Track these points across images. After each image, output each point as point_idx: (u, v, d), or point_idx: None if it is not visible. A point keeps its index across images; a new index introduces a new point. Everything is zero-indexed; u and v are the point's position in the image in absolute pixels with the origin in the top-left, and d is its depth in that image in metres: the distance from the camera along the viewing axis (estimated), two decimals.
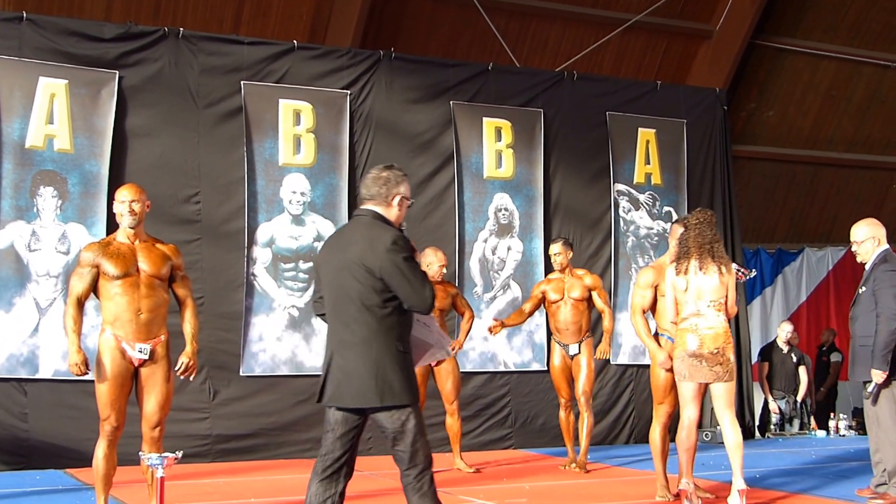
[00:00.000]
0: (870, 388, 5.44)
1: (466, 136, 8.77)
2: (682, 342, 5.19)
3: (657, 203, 9.51)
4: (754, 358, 10.47)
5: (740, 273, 5.68)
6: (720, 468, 6.54)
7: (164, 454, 4.12)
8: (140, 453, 4.48)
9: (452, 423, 6.99)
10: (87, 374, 4.66)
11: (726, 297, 5.20)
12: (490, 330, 7.02)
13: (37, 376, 7.18)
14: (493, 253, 8.77)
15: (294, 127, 8.17)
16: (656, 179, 9.52)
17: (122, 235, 4.78)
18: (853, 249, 5.74)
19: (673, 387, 5.58)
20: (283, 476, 6.84)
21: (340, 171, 8.26)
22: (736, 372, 5.42)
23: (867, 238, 5.61)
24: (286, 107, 8.15)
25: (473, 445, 8.36)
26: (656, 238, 9.47)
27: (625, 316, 9.07)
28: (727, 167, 9.92)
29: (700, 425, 5.84)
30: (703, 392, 5.33)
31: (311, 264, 8.07)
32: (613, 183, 9.30)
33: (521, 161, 8.94)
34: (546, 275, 8.34)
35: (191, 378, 4.94)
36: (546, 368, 8.13)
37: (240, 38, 8.24)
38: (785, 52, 11.92)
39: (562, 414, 7.11)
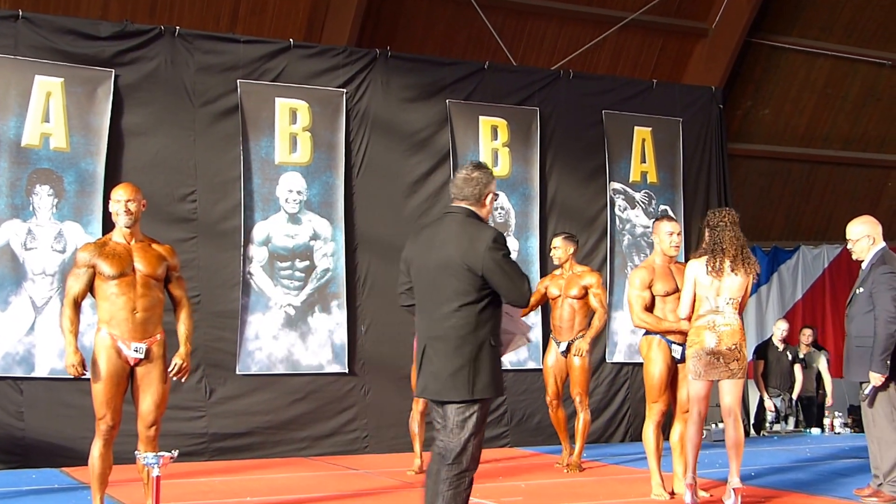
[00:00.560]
0: (867, 389, 5.43)
1: (462, 134, 8.77)
2: (699, 340, 5.17)
3: (653, 201, 9.52)
4: (749, 356, 10.49)
5: None
6: (715, 466, 6.56)
7: (159, 453, 4.13)
8: (136, 452, 4.48)
9: None
10: (84, 375, 4.67)
11: (744, 296, 5.22)
12: None
13: (33, 375, 7.18)
14: None
15: (290, 125, 8.17)
16: (652, 178, 9.53)
17: (119, 235, 4.79)
18: (848, 247, 5.74)
19: (667, 386, 5.60)
20: (279, 475, 6.85)
21: (337, 170, 8.26)
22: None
23: (862, 236, 5.60)
24: (282, 105, 8.15)
25: None
26: (652, 236, 9.46)
27: (620, 314, 9.10)
28: (723, 165, 9.94)
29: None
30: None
31: (307, 262, 8.08)
32: (609, 181, 9.31)
33: (517, 160, 8.95)
34: (544, 272, 8.37)
35: (183, 380, 4.94)
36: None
37: (236, 37, 8.24)
38: (780, 51, 11.94)
39: (550, 411, 7.11)
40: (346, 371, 8.13)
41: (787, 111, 12.46)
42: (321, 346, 8.07)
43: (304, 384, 8.03)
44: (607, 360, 9.10)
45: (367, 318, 8.25)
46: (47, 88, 7.40)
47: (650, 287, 5.63)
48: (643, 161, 9.50)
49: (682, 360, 5.50)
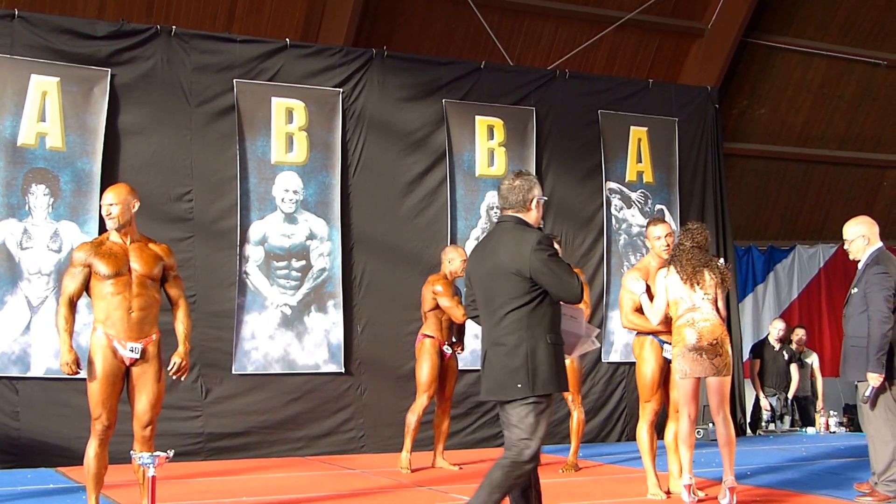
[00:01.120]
0: (867, 391, 5.40)
1: (459, 134, 8.78)
2: (680, 338, 5.26)
3: (649, 201, 9.53)
4: (746, 355, 10.52)
5: None
6: (711, 465, 6.57)
7: (155, 453, 4.13)
8: (131, 452, 4.48)
9: (442, 421, 7.02)
10: (78, 373, 4.67)
11: (716, 295, 5.29)
12: None
13: (28, 375, 7.18)
14: None
15: (286, 125, 8.16)
16: (648, 177, 9.54)
17: (115, 235, 4.78)
18: (845, 247, 5.77)
19: (660, 385, 5.62)
20: (275, 474, 6.85)
21: (333, 170, 8.26)
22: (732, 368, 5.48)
23: (857, 236, 5.63)
24: (279, 105, 8.15)
25: (466, 443, 8.38)
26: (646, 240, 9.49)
27: (616, 314, 9.10)
28: (719, 165, 9.95)
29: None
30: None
31: (303, 262, 8.09)
32: (605, 181, 9.32)
33: (513, 159, 8.95)
34: None
35: (182, 378, 4.95)
36: None
37: (232, 37, 8.24)
38: (776, 50, 11.96)
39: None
40: (343, 371, 8.13)
41: (784, 111, 12.47)
42: (317, 345, 8.07)
43: (301, 384, 8.03)
44: (603, 360, 9.11)
45: (363, 318, 8.25)
46: (43, 88, 7.39)
47: (648, 288, 5.65)
48: (639, 161, 9.51)
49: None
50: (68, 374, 4.65)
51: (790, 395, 10.16)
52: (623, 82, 9.93)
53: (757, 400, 10.17)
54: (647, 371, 5.61)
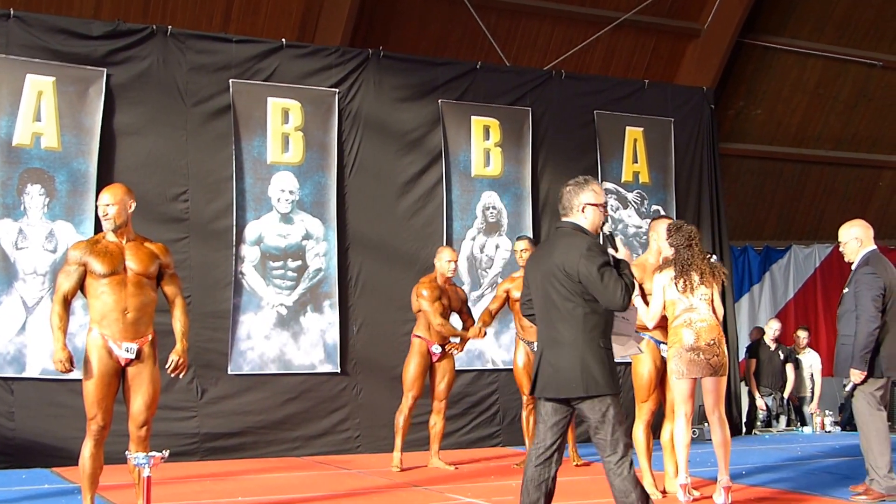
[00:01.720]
0: (848, 386, 5.61)
1: (455, 134, 8.78)
2: (678, 339, 5.29)
3: (645, 201, 9.54)
4: (742, 355, 10.53)
5: None
6: (706, 465, 6.58)
7: (150, 453, 4.13)
8: (126, 452, 4.48)
9: (436, 421, 7.03)
10: (71, 371, 4.66)
11: (712, 294, 5.32)
12: (457, 347, 7.12)
13: (23, 375, 7.17)
14: (482, 251, 8.80)
15: (282, 125, 8.16)
16: (644, 178, 9.55)
17: (111, 234, 4.78)
18: (840, 249, 5.90)
19: (656, 385, 5.63)
20: (271, 475, 6.85)
21: (329, 170, 8.26)
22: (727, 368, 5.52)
23: (851, 238, 5.76)
24: (274, 105, 8.15)
25: (462, 443, 8.39)
26: (644, 236, 9.50)
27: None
28: (714, 165, 9.97)
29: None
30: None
31: (299, 262, 8.09)
32: (601, 181, 9.32)
33: (509, 159, 8.96)
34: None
35: (181, 376, 4.95)
36: None
37: (228, 37, 8.23)
38: (772, 51, 11.98)
39: (524, 414, 7.17)
40: (338, 371, 8.13)
41: (779, 111, 12.50)
42: (313, 345, 8.07)
43: (296, 384, 8.03)
44: None
45: (359, 318, 8.25)
46: (39, 87, 7.38)
47: (641, 285, 5.65)
48: (635, 161, 9.53)
49: None
50: (62, 372, 4.64)
51: (786, 395, 10.18)
52: (619, 83, 9.94)
53: (753, 399, 10.19)
54: (644, 371, 5.62)
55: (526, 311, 4.16)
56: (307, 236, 8.14)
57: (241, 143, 8.00)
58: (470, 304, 8.60)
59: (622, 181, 9.46)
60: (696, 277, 5.33)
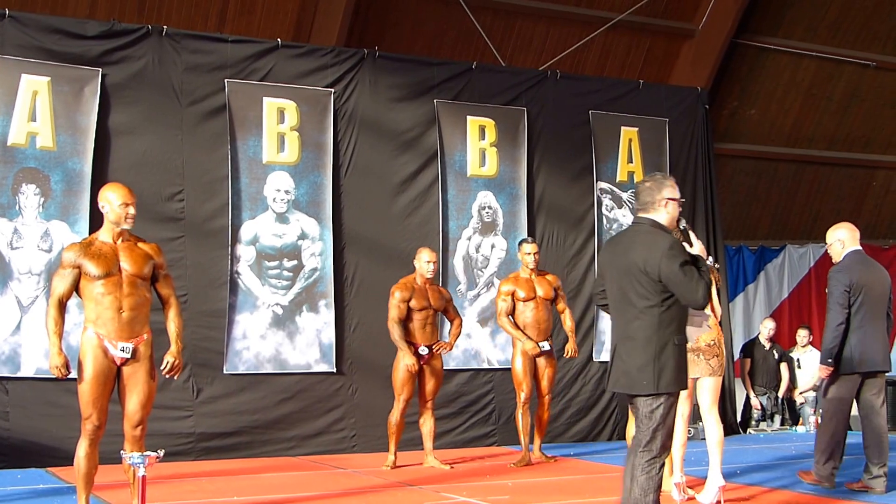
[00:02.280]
0: (822, 383, 5.90)
1: (450, 134, 8.79)
2: None
3: None
4: (736, 355, 10.56)
5: None
6: (701, 463, 6.60)
7: (145, 453, 4.13)
8: (122, 452, 4.48)
9: (427, 420, 7.07)
10: (68, 376, 4.65)
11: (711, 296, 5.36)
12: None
13: (19, 375, 7.16)
14: (477, 251, 8.81)
15: (278, 125, 8.16)
16: (639, 177, 9.55)
17: (106, 235, 4.77)
18: (828, 251, 6.15)
19: None
20: (266, 475, 6.85)
21: (325, 170, 8.27)
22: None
23: (835, 241, 6.01)
24: (270, 105, 8.15)
25: (457, 442, 8.40)
26: None
27: (608, 314, 9.13)
28: (709, 165, 9.99)
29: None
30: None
31: (294, 262, 8.09)
32: (596, 181, 9.35)
33: (504, 159, 8.97)
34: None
35: (175, 377, 4.95)
36: None
37: (224, 36, 8.23)
38: (766, 51, 12.02)
39: (519, 413, 7.27)
40: (334, 370, 8.14)
41: (773, 111, 12.54)
42: (309, 345, 8.08)
43: (292, 384, 8.03)
44: (594, 359, 9.14)
45: (354, 318, 8.26)
46: (34, 87, 7.37)
47: None
48: (630, 161, 9.54)
49: None
50: (58, 377, 4.63)
51: (780, 395, 10.21)
52: (614, 83, 9.96)
53: (747, 399, 10.21)
54: None
55: (600, 301, 4.26)
56: (303, 236, 8.15)
57: (237, 143, 8.00)
58: (466, 303, 8.66)
59: (617, 181, 9.48)
60: None
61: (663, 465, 3.92)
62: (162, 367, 4.77)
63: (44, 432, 7.05)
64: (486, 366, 8.70)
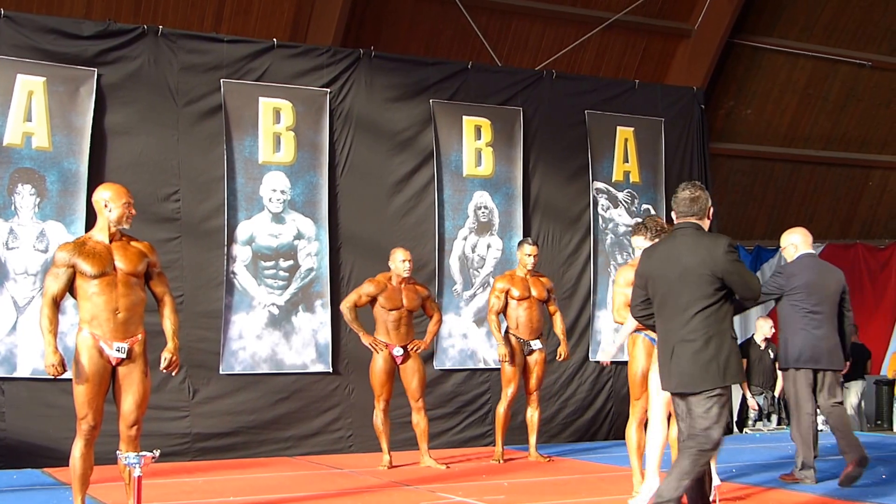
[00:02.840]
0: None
1: (446, 134, 8.79)
2: None
3: (636, 201, 9.57)
4: None
5: None
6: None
7: (141, 453, 4.13)
8: (117, 452, 4.47)
9: (419, 420, 7.07)
10: (63, 375, 4.64)
11: None
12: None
13: (14, 375, 7.15)
14: (473, 251, 8.81)
15: (274, 125, 8.16)
16: (635, 177, 9.58)
17: (101, 234, 4.77)
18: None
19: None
20: (262, 475, 6.85)
21: (320, 170, 8.27)
22: None
23: (788, 244, 6.34)
24: (266, 105, 8.15)
25: (454, 442, 8.40)
26: None
27: (603, 313, 9.15)
28: (705, 165, 10.01)
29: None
30: None
31: (290, 262, 8.09)
32: (592, 181, 9.36)
33: (500, 159, 8.98)
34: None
35: (174, 374, 4.95)
36: None
37: (219, 37, 8.23)
38: (762, 51, 12.03)
39: (501, 409, 7.33)
40: (331, 370, 8.14)
41: (769, 111, 12.55)
42: (305, 345, 8.07)
43: (289, 384, 8.03)
44: (590, 359, 9.15)
45: None
46: (29, 87, 7.37)
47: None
48: (626, 161, 9.56)
49: None
50: (53, 376, 4.62)
51: (777, 394, 10.22)
52: (610, 83, 9.97)
53: (744, 399, 10.22)
54: (637, 369, 5.62)
55: (641, 312, 4.36)
56: (299, 236, 8.15)
57: (233, 143, 8.00)
58: (462, 303, 8.66)
59: (613, 181, 9.48)
60: None
61: (708, 460, 4.07)
62: (161, 363, 4.77)
63: (39, 433, 7.05)
64: (482, 366, 8.70)
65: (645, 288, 4.31)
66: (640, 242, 5.38)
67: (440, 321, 7.31)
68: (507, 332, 7.33)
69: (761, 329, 10.34)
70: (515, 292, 7.28)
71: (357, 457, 7.78)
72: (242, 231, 7.97)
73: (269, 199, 8.09)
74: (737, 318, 13.26)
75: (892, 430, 10.45)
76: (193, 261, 7.77)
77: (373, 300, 7.03)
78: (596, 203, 9.36)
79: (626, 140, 9.56)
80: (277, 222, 8.10)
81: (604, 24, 10.88)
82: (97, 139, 7.54)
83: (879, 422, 10.79)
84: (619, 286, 5.76)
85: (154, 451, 4.16)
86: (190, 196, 7.82)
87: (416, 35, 10.36)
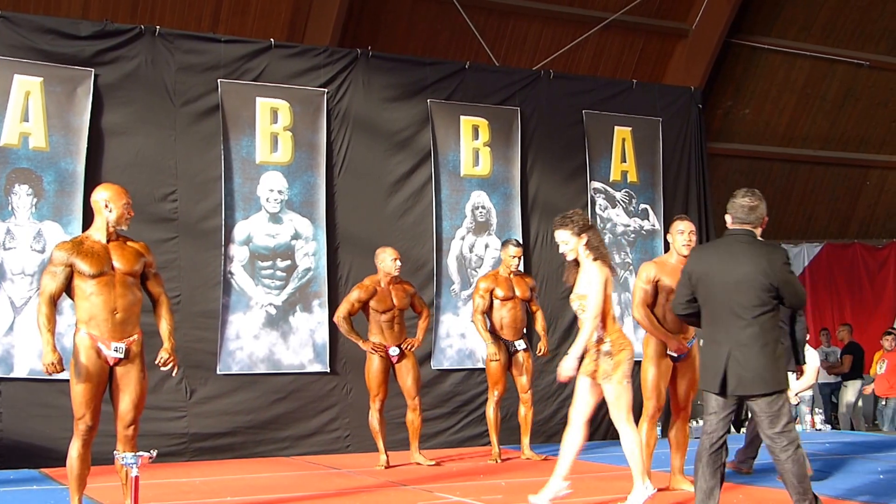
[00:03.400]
0: None
1: (444, 134, 8.79)
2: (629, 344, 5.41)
3: (633, 200, 9.57)
4: None
5: None
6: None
7: (138, 453, 4.12)
8: (114, 452, 4.47)
9: (413, 418, 7.12)
10: (61, 372, 4.64)
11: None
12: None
13: (11, 375, 7.15)
14: (471, 251, 8.81)
15: (271, 125, 8.16)
16: (632, 177, 9.59)
17: (98, 234, 4.76)
18: None
19: (664, 383, 5.65)
20: (260, 475, 6.85)
21: (318, 170, 8.26)
22: None
23: None
24: (263, 105, 8.14)
25: (452, 442, 8.40)
26: (633, 235, 9.54)
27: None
28: (702, 165, 10.02)
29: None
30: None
31: (288, 262, 8.08)
32: (590, 181, 9.36)
33: (498, 159, 8.98)
34: (527, 272, 8.44)
35: (173, 373, 4.95)
36: None
37: (217, 37, 8.23)
38: (760, 51, 12.03)
39: (491, 410, 7.34)
40: (328, 370, 8.13)
41: (768, 111, 12.55)
42: (302, 345, 8.07)
43: (286, 384, 8.03)
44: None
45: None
46: (26, 88, 7.36)
47: (656, 282, 5.66)
48: (623, 160, 9.56)
49: (678, 358, 5.63)
50: (51, 374, 4.62)
51: None
52: (607, 83, 9.98)
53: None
54: (650, 369, 5.63)
55: (685, 310, 4.45)
56: (296, 236, 8.14)
57: (230, 143, 7.99)
58: (460, 303, 8.67)
59: (610, 180, 9.49)
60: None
61: (802, 450, 4.24)
62: (157, 361, 4.78)
63: (37, 433, 7.04)
64: (480, 365, 8.69)
65: (691, 287, 4.40)
66: (565, 237, 5.03)
67: (429, 316, 7.38)
68: (492, 331, 7.32)
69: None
70: (500, 292, 7.27)
71: (354, 457, 7.78)
72: (240, 231, 7.96)
73: (267, 199, 8.09)
74: None
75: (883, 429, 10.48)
76: (191, 261, 7.77)
77: (364, 304, 7.03)
78: (594, 203, 9.36)
79: (623, 140, 9.56)
80: (275, 222, 8.09)
81: (601, 24, 10.88)
82: (94, 139, 7.53)
83: (877, 422, 10.82)
84: (638, 280, 5.76)
85: (151, 452, 4.15)
86: (187, 196, 7.82)
87: (414, 35, 10.36)
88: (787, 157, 12.89)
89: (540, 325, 7.51)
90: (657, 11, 11.30)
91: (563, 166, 9.31)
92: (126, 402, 4.66)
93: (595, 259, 5.01)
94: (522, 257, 7.47)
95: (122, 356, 4.64)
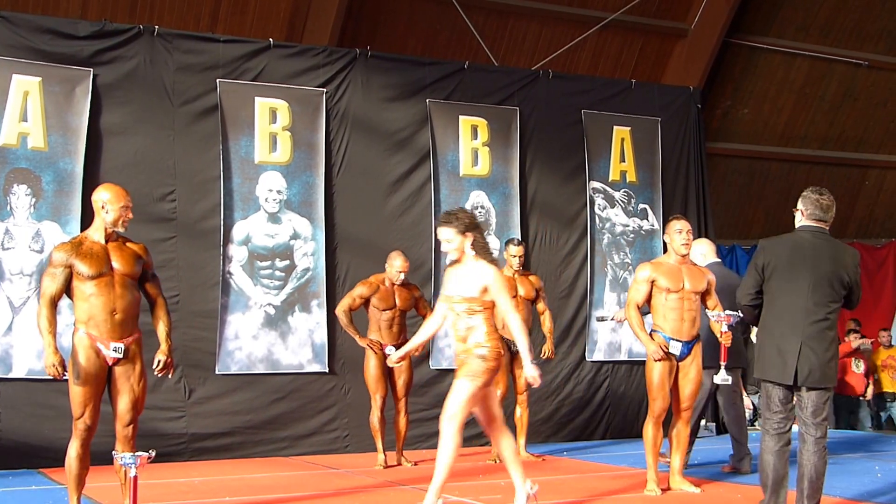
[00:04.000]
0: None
1: (442, 134, 8.79)
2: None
3: (632, 200, 9.58)
4: None
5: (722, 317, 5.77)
6: (708, 461, 6.60)
7: (137, 453, 4.12)
8: (113, 452, 4.47)
9: (400, 419, 7.11)
10: (63, 375, 4.63)
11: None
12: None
13: (10, 375, 7.14)
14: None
15: (270, 125, 8.16)
16: (631, 177, 9.59)
17: (97, 234, 4.76)
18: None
19: (668, 383, 5.66)
20: (258, 475, 6.85)
21: (317, 169, 8.26)
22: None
23: (697, 255, 6.56)
24: (262, 105, 8.14)
25: None
26: (632, 235, 9.54)
27: (601, 313, 9.15)
28: (701, 164, 10.02)
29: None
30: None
31: (287, 262, 8.08)
32: (589, 180, 9.36)
33: (497, 159, 8.98)
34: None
35: (169, 376, 4.95)
36: None
37: (215, 36, 8.22)
38: (759, 51, 12.04)
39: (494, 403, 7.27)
40: (327, 370, 8.13)
41: (766, 111, 12.56)
42: (301, 345, 8.07)
43: (285, 384, 8.03)
44: (587, 359, 9.15)
45: None
46: (25, 87, 7.36)
47: (653, 282, 5.68)
48: (622, 160, 9.56)
49: (682, 357, 5.65)
50: (53, 377, 4.60)
51: None
52: (606, 82, 9.98)
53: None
54: (656, 368, 5.64)
55: (752, 301, 4.55)
56: (295, 236, 8.14)
57: (229, 143, 7.99)
58: None
59: (609, 180, 9.49)
60: None
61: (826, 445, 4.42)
62: (154, 366, 4.77)
63: (35, 433, 7.04)
64: None
65: (762, 279, 4.50)
66: (449, 235, 4.86)
67: None
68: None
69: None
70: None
71: (353, 457, 7.78)
72: (238, 231, 7.96)
73: (266, 199, 8.09)
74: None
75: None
76: (189, 261, 7.77)
77: (366, 301, 7.04)
78: (593, 203, 9.37)
79: (622, 140, 9.56)
80: (273, 222, 8.09)
81: (600, 24, 10.88)
82: (93, 139, 7.53)
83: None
84: (634, 280, 5.80)
85: (150, 452, 4.15)
86: (186, 196, 7.82)
87: (413, 35, 10.36)
88: (785, 157, 12.89)
89: (546, 326, 7.45)
90: (656, 11, 11.31)
91: (562, 166, 9.31)
92: (125, 402, 4.66)
93: (484, 259, 4.86)
94: (524, 256, 7.42)
95: (121, 356, 4.64)
